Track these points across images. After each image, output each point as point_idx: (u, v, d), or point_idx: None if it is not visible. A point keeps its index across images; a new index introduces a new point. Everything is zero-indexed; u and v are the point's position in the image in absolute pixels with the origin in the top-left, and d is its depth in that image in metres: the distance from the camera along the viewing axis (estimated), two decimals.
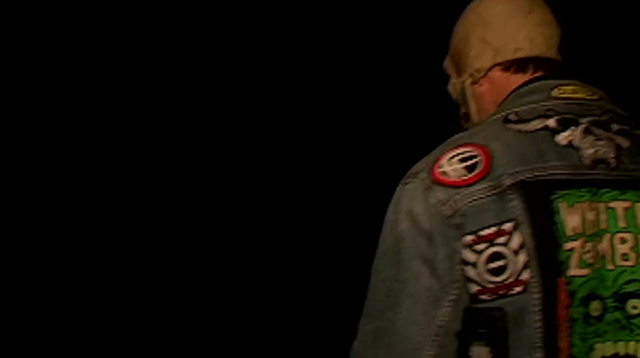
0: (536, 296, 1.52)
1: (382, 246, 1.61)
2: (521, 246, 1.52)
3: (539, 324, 1.52)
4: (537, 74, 1.72)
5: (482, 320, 1.54)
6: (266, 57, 5.92)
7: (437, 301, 1.54)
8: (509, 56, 1.73)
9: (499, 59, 1.73)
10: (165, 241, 5.65)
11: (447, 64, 1.84)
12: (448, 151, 1.61)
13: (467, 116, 1.81)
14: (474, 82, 1.77)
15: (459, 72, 1.80)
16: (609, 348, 1.55)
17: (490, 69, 1.74)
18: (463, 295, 1.53)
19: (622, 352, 1.55)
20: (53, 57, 5.83)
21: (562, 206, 1.55)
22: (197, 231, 5.69)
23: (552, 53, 1.74)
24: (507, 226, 1.53)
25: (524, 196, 1.54)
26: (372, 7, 5.69)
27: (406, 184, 1.61)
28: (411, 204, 1.57)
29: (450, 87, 1.84)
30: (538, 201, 1.54)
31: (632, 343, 1.55)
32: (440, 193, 1.56)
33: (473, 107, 1.79)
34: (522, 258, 1.52)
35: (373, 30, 5.72)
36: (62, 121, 5.86)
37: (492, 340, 1.53)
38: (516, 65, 1.73)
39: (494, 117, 1.67)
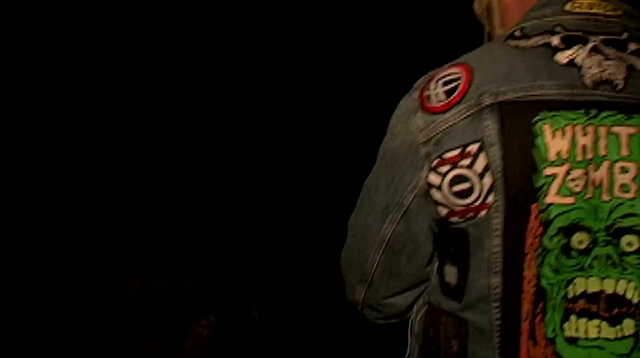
0: (496, 221, 1.43)
1: None
2: (486, 168, 1.44)
3: (497, 249, 1.44)
4: None
5: (452, 240, 1.49)
6: (265, 57, 5.93)
7: (383, 216, 1.55)
8: None
9: None
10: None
11: None
12: (440, 71, 1.53)
13: (490, 37, 1.70)
14: None
15: None
16: (593, 283, 1.43)
17: None
18: (407, 220, 1.53)
19: (609, 290, 1.42)
20: (53, 57, 5.85)
21: (546, 128, 1.43)
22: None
23: None
24: (472, 147, 1.44)
25: (501, 116, 1.44)
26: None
27: (406, 97, 1.56)
28: (397, 121, 1.55)
29: (475, 3, 1.72)
30: (517, 122, 1.44)
31: (622, 281, 1.42)
32: (420, 120, 1.50)
33: (497, 20, 1.66)
34: (487, 180, 1.44)
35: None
36: (61, 120, 5.87)
37: (458, 260, 1.48)
38: None
39: (502, 35, 1.57)
